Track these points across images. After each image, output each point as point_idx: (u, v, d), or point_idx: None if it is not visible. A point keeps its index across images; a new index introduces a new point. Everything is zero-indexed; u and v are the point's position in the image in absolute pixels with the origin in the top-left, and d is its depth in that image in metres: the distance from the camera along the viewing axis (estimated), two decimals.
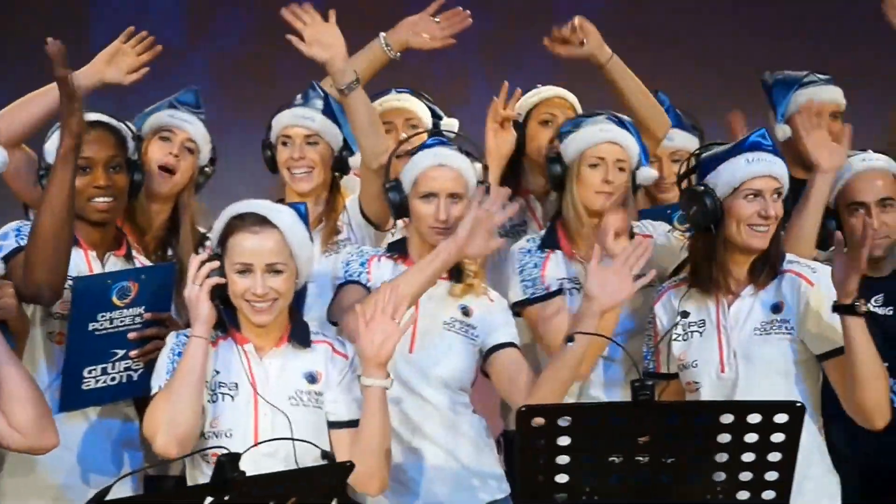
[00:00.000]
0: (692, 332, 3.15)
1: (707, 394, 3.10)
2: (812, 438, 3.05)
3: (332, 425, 2.96)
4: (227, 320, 2.93)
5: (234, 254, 2.90)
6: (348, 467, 2.58)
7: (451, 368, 3.21)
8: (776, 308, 3.09)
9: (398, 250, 3.27)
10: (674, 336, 3.16)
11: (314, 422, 2.93)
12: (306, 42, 3.44)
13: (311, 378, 2.96)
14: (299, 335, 2.98)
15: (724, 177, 3.12)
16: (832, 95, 3.98)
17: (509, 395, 3.18)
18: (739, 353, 3.08)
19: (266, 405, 2.89)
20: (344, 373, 2.98)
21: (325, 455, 2.76)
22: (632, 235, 3.30)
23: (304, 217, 3.00)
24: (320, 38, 3.44)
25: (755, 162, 3.10)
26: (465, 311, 3.24)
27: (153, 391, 2.93)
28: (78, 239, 3.14)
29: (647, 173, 3.43)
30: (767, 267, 3.09)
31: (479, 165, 3.34)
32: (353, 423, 2.94)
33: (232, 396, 2.92)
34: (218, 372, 2.93)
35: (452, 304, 3.24)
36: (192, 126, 3.47)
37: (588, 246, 3.28)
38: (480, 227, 3.06)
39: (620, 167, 3.34)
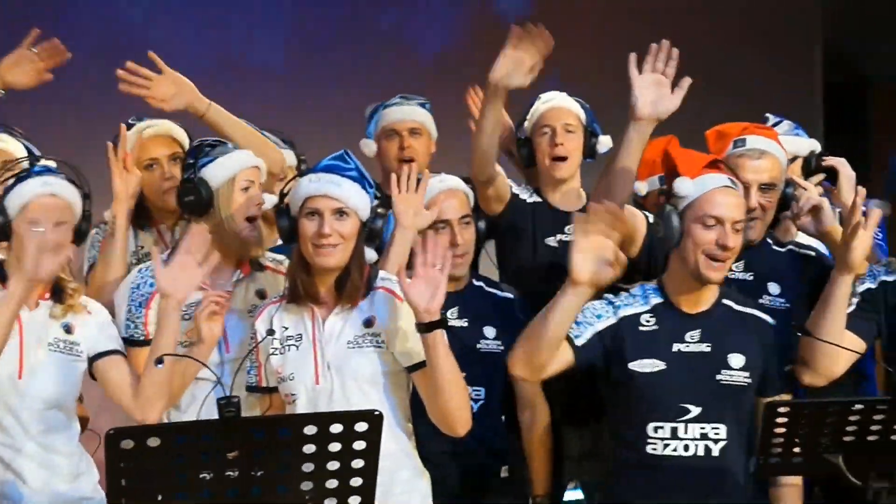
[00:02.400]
0: (289, 345, 3.24)
1: (303, 404, 3.19)
2: (401, 444, 3.21)
3: None
4: None
5: None
6: None
7: (59, 389, 3.26)
8: (368, 322, 3.20)
9: None
10: (271, 350, 3.25)
11: None
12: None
13: None
14: None
15: (293, 195, 3.25)
16: (410, 115, 4.17)
17: (118, 399, 3.28)
18: (333, 365, 3.19)
19: None
20: None
21: None
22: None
23: None
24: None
25: (314, 182, 3.21)
26: (68, 329, 3.29)
27: None
28: None
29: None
30: (350, 285, 3.20)
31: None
32: None
33: None
34: None
35: (55, 325, 3.27)
36: None
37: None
38: (42, 249, 3.10)
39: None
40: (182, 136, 3.90)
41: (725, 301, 3.29)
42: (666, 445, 3.19)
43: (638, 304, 3.27)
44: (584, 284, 3.07)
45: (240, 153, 3.48)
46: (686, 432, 3.19)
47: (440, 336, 3.08)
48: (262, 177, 3.51)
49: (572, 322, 3.16)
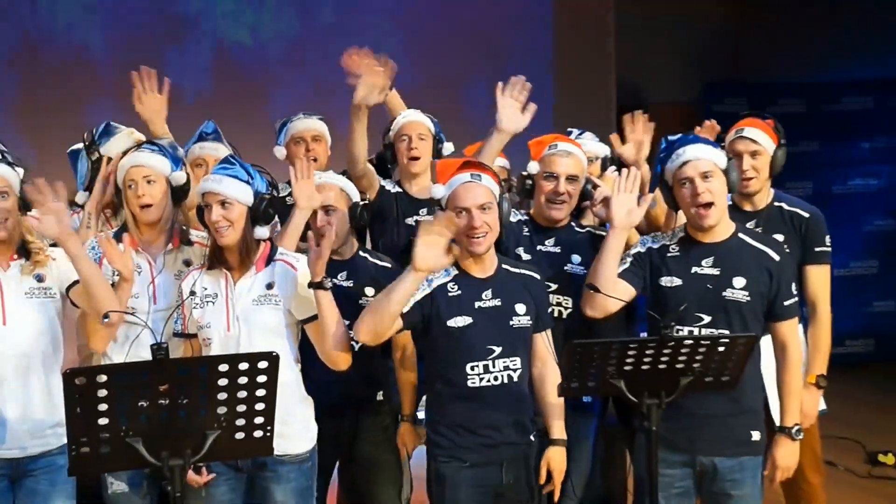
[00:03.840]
0: (207, 301, 3.97)
1: (217, 347, 3.91)
2: (293, 376, 3.97)
3: None
4: None
5: None
6: None
7: (41, 330, 3.91)
8: (270, 286, 3.95)
9: None
10: (194, 305, 3.97)
11: None
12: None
13: None
14: None
15: (197, 193, 4.05)
16: (313, 126, 5.08)
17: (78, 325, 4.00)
18: (241, 317, 3.92)
19: None
20: None
21: None
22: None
23: None
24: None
25: (204, 182, 3.97)
26: (39, 279, 3.95)
27: None
28: None
29: (177, 176, 4.25)
30: (243, 255, 3.93)
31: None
32: None
33: None
34: None
35: (28, 278, 3.94)
36: None
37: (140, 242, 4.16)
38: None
39: (148, 180, 4.17)
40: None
41: (504, 266, 4.02)
42: (481, 379, 3.89)
43: (442, 275, 3.95)
44: (424, 271, 3.76)
45: (126, 159, 4.20)
46: (494, 367, 3.89)
47: (325, 295, 3.84)
48: (155, 171, 4.18)
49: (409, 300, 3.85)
